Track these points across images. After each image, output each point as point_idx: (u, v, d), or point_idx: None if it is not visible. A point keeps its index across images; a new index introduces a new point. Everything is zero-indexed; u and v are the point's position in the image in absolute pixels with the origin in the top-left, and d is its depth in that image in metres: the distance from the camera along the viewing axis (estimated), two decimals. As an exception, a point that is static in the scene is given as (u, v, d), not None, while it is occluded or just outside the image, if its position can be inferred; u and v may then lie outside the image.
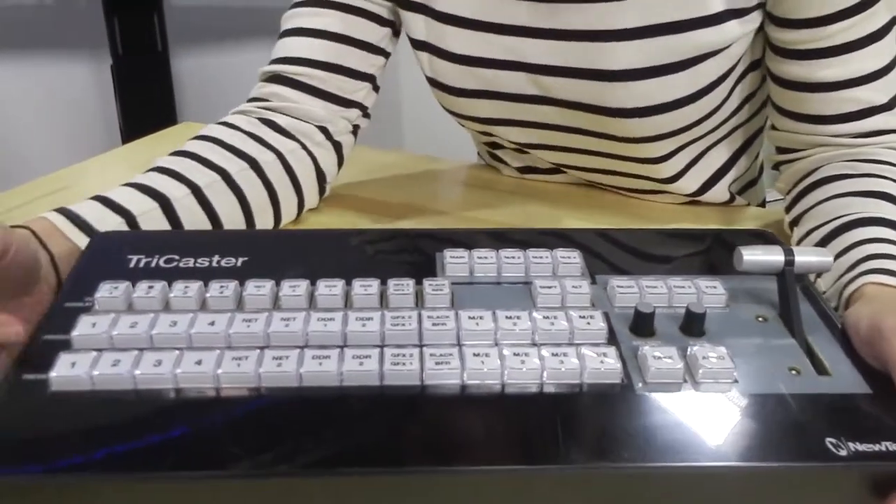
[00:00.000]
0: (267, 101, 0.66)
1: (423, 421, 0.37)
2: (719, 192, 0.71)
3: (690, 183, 0.70)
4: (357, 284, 0.44)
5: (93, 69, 1.79)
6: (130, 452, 0.35)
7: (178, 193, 0.56)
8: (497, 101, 0.67)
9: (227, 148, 0.61)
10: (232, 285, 0.44)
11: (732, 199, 0.73)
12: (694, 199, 0.72)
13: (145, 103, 1.73)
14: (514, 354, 0.39)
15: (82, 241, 0.50)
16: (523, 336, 0.41)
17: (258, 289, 0.44)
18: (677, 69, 0.60)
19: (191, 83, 1.83)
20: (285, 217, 0.64)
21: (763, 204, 0.79)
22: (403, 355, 0.39)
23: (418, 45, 0.68)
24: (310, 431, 0.36)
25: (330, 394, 0.38)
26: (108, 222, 0.52)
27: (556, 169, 0.75)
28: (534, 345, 0.40)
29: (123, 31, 1.68)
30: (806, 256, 0.43)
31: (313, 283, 0.44)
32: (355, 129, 0.69)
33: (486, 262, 0.46)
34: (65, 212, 0.51)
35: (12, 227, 0.47)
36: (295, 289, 0.44)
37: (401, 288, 0.44)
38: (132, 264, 0.47)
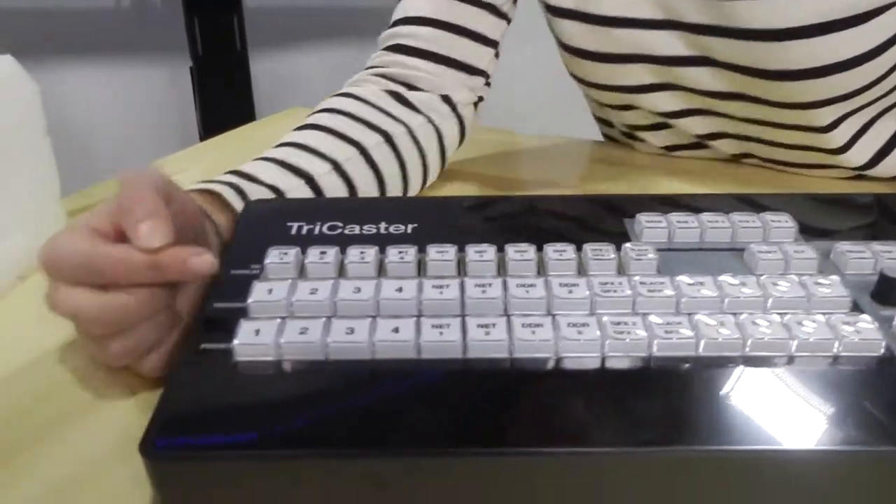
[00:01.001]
0: (388, 68, 0.61)
1: (659, 398, 0.32)
2: (891, 164, 0.65)
3: (860, 155, 0.64)
4: (550, 249, 0.39)
5: (171, 71, 1.79)
6: (330, 426, 0.31)
7: (320, 170, 0.53)
8: (649, 64, 0.62)
9: (360, 121, 0.57)
10: (412, 251, 0.40)
11: None
12: (859, 174, 0.66)
13: (224, 104, 1.72)
14: (753, 323, 0.34)
15: None
16: (754, 303, 0.36)
17: (441, 254, 0.39)
18: (853, 24, 0.54)
19: (268, 84, 1.82)
20: (411, 192, 0.60)
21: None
22: (625, 323, 0.34)
23: (560, 12, 0.63)
24: (528, 407, 0.32)
25: (544, 366, 0.33)
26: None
27: (702, 144, 0.69)
28: (769, 312, 0.35)
29: (203, 33, 1.67)
30: None
31: (500, 249, 0.40)
32: (478, 101, 0.64)
33: (687, 226, 0.41)
34: (226, 183, 0.48)
35: None
36: (482, 254, 0.39)
37: (600, 253, 0.39)
38: (293, 231, 0.43)
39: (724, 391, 0.32)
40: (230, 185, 0.48)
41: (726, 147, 0.69)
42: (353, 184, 0.54)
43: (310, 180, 0.52)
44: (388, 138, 0.57)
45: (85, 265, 0.35)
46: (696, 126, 0.67)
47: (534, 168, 0.71)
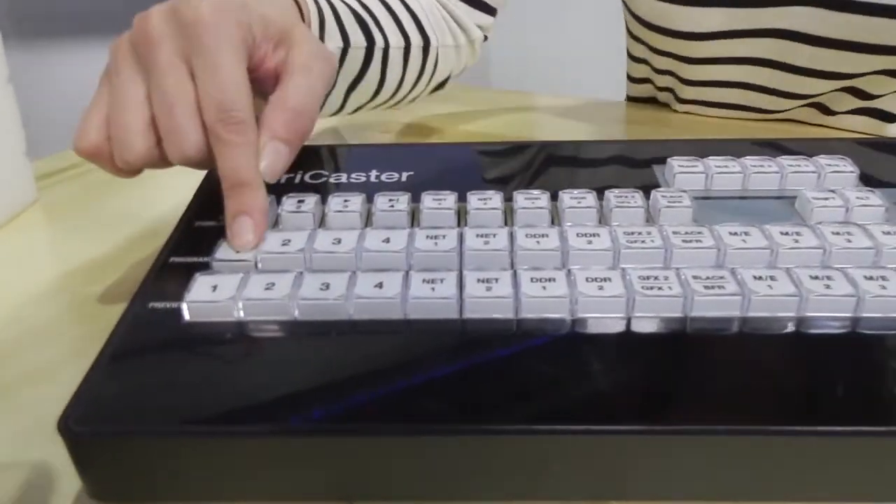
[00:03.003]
0: None
1: (698, 366, 0.26)
2: None
3: None
4: (566, 196, 0.34)
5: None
6: (293, 403, 0.25)
7: (380, 43, 0.50)
8: (736, 8, 0.57)
9: (414, 18, 0.54)
10: (404, 198, 0.34)
11: None
12: None
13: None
14: (811, 277, 0.28)
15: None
16: (810, 256, 0.30)
17: (438, 202, 0.34)
18: None
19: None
20: (399, 101, 0.56)
21: None
22: (656, 278, 0.28)
23: None
24: (536, 377, 0.26)
25: (558, 328, 0.27)
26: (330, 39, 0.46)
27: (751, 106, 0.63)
28: (829, 267, 0.29)
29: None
30: None
31: (508, 198, 0.34)
32: (483, 39, 0.59)
33: (727, 171, 0.35)
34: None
35: None
36: (486, 202, 0.33)
37: (625, 200, 0.33)
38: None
39: (778, 359, 0.26)
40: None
41: (787, 111, 0.62)
42: (385, 74, 0.52)
43: (370, 47, 0.49)
44: (427, 46, 0.54)
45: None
46: (770, 80, 0.61)
47: (553, 128, 0.65)
